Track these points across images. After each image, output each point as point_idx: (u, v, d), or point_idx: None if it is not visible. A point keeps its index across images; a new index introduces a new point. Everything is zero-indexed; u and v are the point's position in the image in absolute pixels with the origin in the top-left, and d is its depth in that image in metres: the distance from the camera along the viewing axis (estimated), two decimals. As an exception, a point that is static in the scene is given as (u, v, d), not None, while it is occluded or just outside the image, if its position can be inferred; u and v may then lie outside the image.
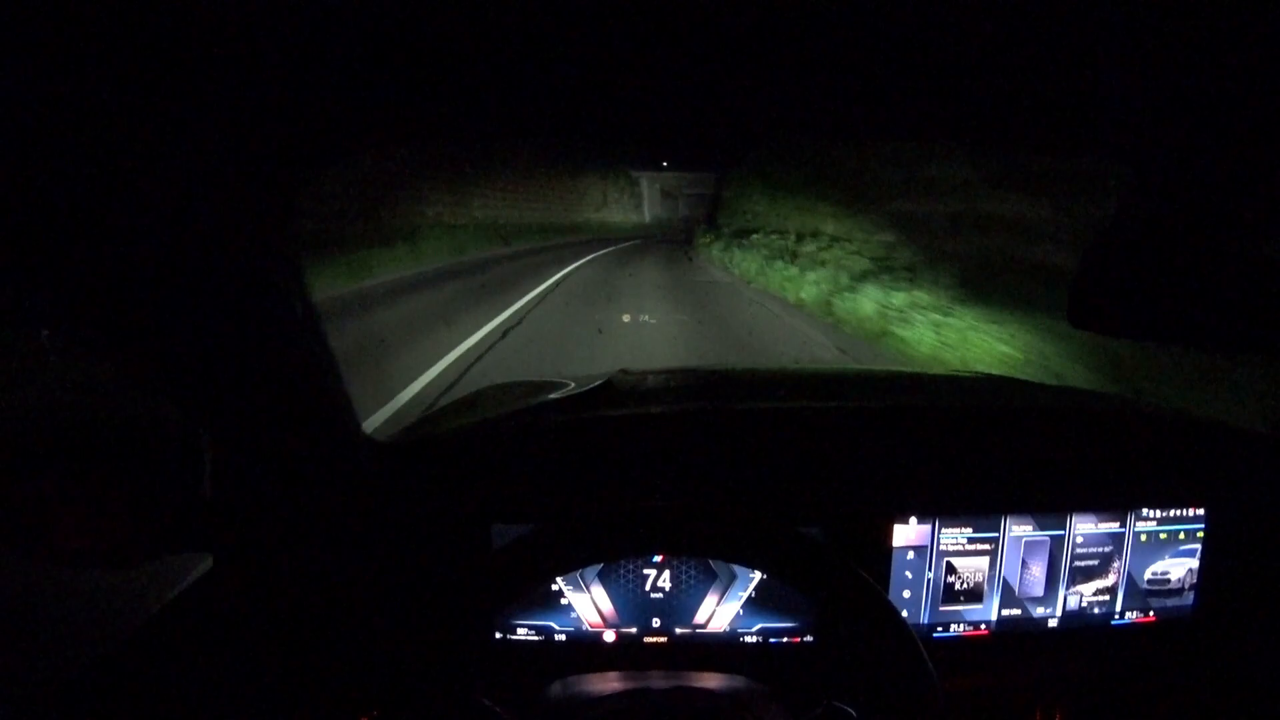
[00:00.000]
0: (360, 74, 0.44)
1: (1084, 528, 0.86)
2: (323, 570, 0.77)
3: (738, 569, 0.84)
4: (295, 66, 0.42)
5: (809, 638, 0.85)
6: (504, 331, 6.15)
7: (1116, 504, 0.86)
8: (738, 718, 0.69)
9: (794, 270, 9.45)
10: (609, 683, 0.78)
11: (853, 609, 0.55)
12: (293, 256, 0.57)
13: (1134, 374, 3.63)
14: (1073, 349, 4.16)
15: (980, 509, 0.85)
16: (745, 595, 0.85)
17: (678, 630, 0.86)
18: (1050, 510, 0.85)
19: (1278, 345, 0.48)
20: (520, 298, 8.40)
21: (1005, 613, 0.87)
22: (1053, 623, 0.88)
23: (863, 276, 7.46)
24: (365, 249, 11.92)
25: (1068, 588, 0.87)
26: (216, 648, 0.72)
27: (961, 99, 0.49)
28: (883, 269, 7.48)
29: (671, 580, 0.84)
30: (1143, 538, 0.87)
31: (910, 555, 0.85)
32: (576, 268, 13.54)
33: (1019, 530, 0.85)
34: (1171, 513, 0.87)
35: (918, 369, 4.86)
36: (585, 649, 0.85)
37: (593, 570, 0.84)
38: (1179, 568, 0.88)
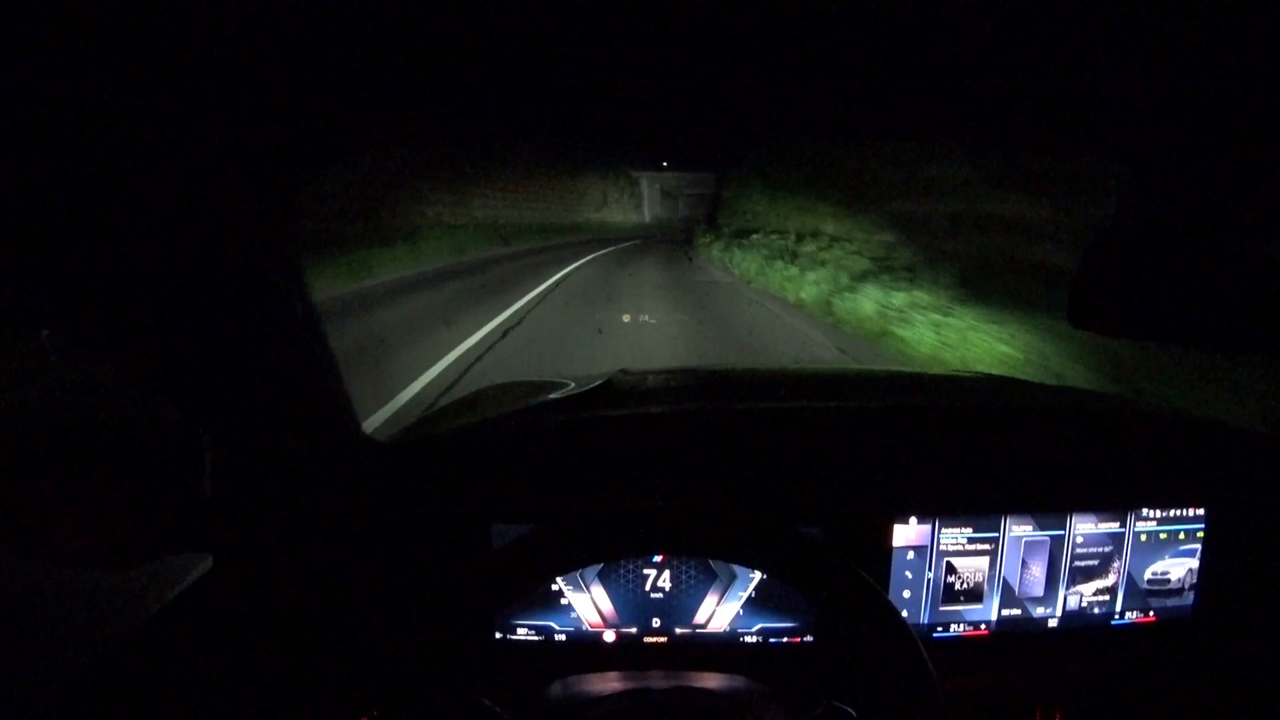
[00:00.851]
0: (360, 74, 0.44)
1: (1084, 528, 0.86)
2: (323, 570, 0.77)
3: (738, 569, 0.84)
4: (295, 67, 0.42)
5: (809, 638, 0.85)
6: (504, 331, 6.15)
7: (1116, 504, 0.86)
8: (738, 718, 0.69)
9: (794, 270, 9.45)
10: (609, 683, 0.78)
11: (853, 609, 0.55)
12: (293, 256, 0.57)
13: (1134, 374, 3.63)
14: (1073, 349, 4.16)
15: (980, 509, 0.85)
16: (745, 595, 0.85)
17: (678, 630, 0.86)
18: (1050, 510, 0.85)
19: (1278, 345, 0.48)
20: (520, 298, 8.40)
21: (1005, 613, 0.87)
22: (1053, 623, 0.88)
23: (863, 276, 7.46)
24: (365, 249, 11.92)
25: (1068, 588, 0.87)
26: (216, 648, 0.72)
27: (961, 99, 0.49)
28: (883, 269, 7.49)
29: (671, 580, 0.84)
30: (1143, 538, 0.87)
31: (910, 555, 0.85)
32: (576, 268, 13.54)
33: (1019, 530, 0.85)
34: (1171, 513, 0.87)
35: (918, 369, 4.86)
36: (585, 649, 0.85)
37: (593, 570, 0.84)
38: (1179, 568, 0.88)
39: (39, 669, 1.30)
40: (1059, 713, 0.81)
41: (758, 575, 0.84)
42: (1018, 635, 0.87)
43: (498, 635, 0.86)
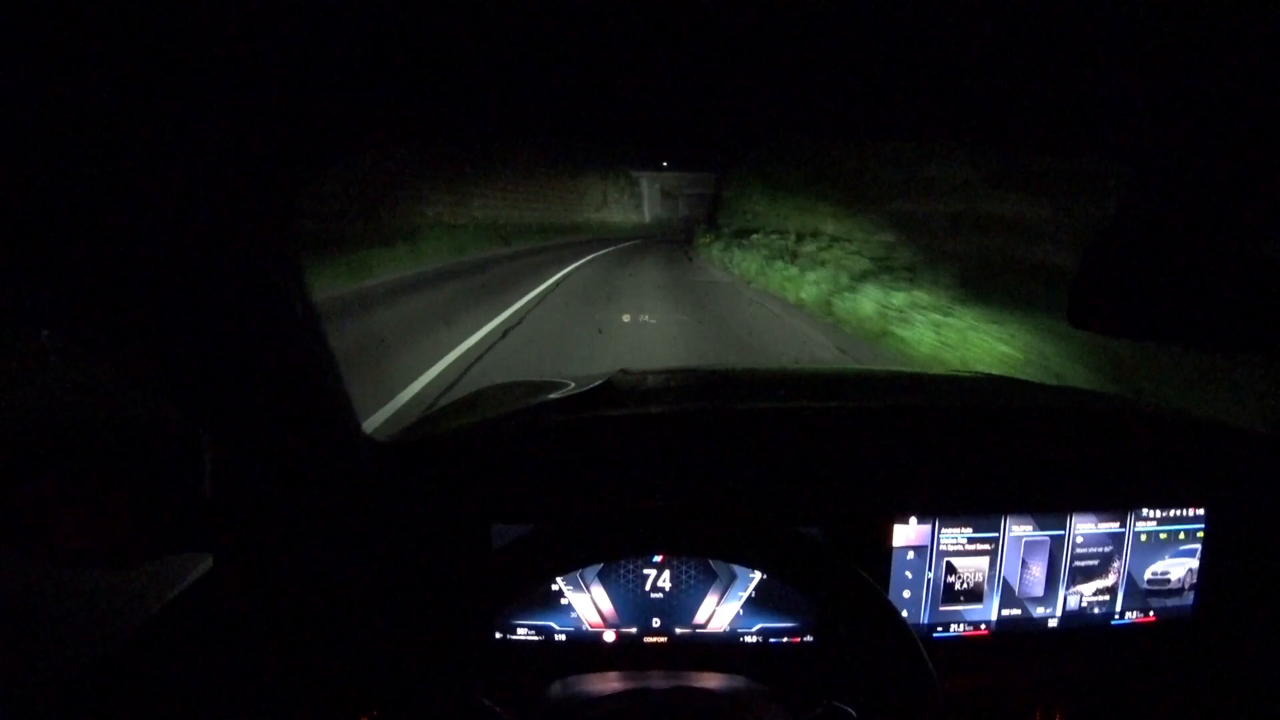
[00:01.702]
0: (360, 74, 0.44)
1: (1084, 528, 0.86)
2: (323, 570, 0.77)
3: (738, 569, 0.84)
4: (295, 67, 0.42)
5: (809, 638, 0.85)
6: (504, 331, 6.15)
7: (1116, 504, 0.86)
8: (738, 718, 0.69)
9: (794, 270, 9.45)
10: (609, 683, 0.78)
11: (853, 609, 0.55)
12: (293, 256, 0.57)
13: (1134, 374, 3.63)
14: (1073, 349, 4.16)
15: (980, 509, 0.85)
16: (745, 595, 0.85)
17: (678, 630, 0.86)
18: (1050, 510, 0.85)
19: (1278, 345, 0.48)
20: (520, 298, 8.40)
21: (1005, 613, 0.87)
22: (1053, 623, 0.88)
23: (863, 276, 7.46)
24: (365, 249, 11.92)
25: (1068, 588, 0.87)
26: (216, 648, 0.72)
27: (961, 99, 0.49)
28: (883, 269, 7.49)
29: (671, 580, 0.84)
30: (1143, 538, 0.87)
31: (910, 555, 0.85)
32: (576, 268, 13.54)
33: (1019, 530, 0.85)
34: (1171, 513, 0.87)
35: (918, 369, 4.86)
36: (585, 649, 0.85)
37: (593, 570, 0.84)
38: (1179, 568, 0.88)
39: (39, 669, 1.30)
40: (1059, 713, 0.81)
41: (758, 575, 0.84)
42: (1018, 635, 0.87)
43: (498, 635, 0.86)
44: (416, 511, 0.83)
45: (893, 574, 0.85)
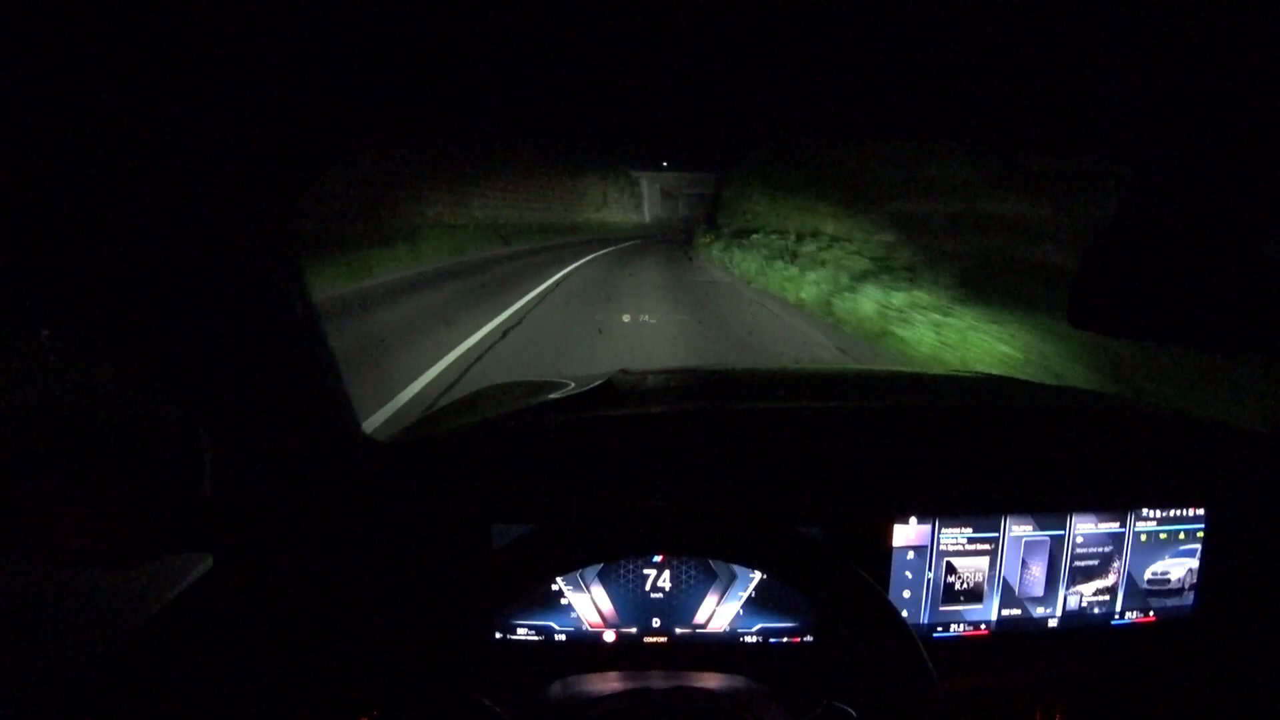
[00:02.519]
0: (360, 74, 0.44)
1: (1084, 528, 0.86)
2: (323, 570, 0.77)
3: (738, 569, 0.84)
4: (295, 67, 0.42)
5: (809, 638, 0.85)
6: (504, 331, 6.15)
7: (1116, 504, 0.86)
8: (738, 718, 0.69)
9: (794, 270, 9.45)
10: (609, 683, 0.78)
11: (853, 609, 0.55)
12: (293, 256, 0.57)
13: (1134, 374, 3.63)
14: (1073, 349, 4.16)
15: (980, 509, 0.85)
16: (745, 595, 0.85)
17: (678, 630, 0.86)
18: (1050, 510, 0.85)
19: (1278, 345, 0.48)
20: (520, 298, 8.39)
21: (1005, 613, 0.87)
22: (1053, 623, 0.88)
23: (863, 276, 7.46)
24: (365, 249, 11.92)
25: (1068, 588, 0.87)
26: (216, 648, 0.72)
27: (961, 99, 0.49)
28: (883, 269, 7.48)
29: (671, 580, 0.84)
30: (1143, 538, 0.87)
31: (910, 555, 0.85)
32: (576, 268, 13.53)
33: (1019, 530, 0.85)
34: (1171, 513, 0.87)
35: (918, 369, 4.86)
36: (585, 649, 0.85)
37: (593, 570, 0.84)
38: (1179, 568, 0.88)
39: (39, 669, 1.30)
40: (1059, 713, 0.81)
41: (758, 575, 0.84)
42: (1018, 635, 0.87)
43: (498, 635, 0.86)
44: (416, 511, 0.83)
45: (893, 574, 0.85)
